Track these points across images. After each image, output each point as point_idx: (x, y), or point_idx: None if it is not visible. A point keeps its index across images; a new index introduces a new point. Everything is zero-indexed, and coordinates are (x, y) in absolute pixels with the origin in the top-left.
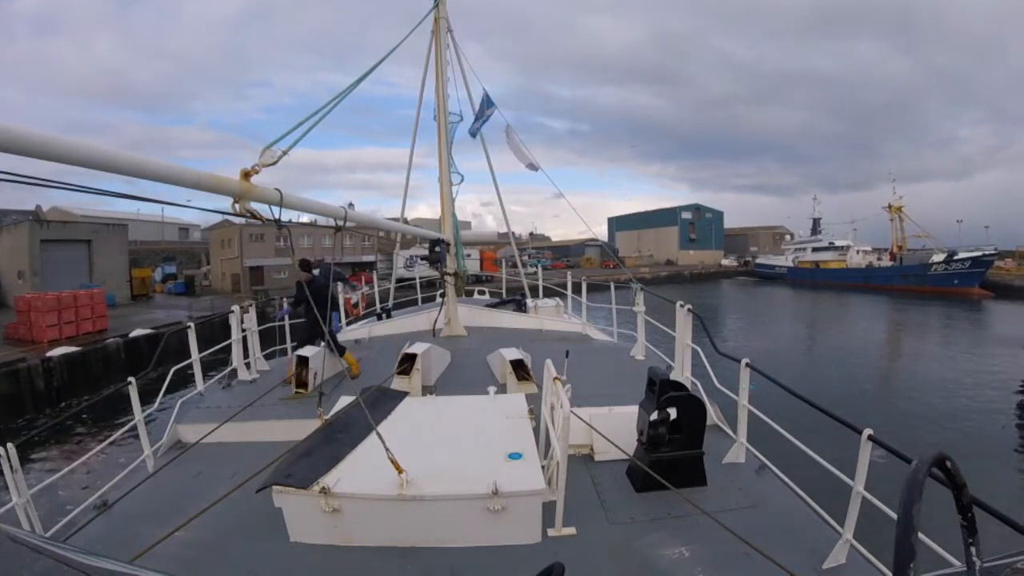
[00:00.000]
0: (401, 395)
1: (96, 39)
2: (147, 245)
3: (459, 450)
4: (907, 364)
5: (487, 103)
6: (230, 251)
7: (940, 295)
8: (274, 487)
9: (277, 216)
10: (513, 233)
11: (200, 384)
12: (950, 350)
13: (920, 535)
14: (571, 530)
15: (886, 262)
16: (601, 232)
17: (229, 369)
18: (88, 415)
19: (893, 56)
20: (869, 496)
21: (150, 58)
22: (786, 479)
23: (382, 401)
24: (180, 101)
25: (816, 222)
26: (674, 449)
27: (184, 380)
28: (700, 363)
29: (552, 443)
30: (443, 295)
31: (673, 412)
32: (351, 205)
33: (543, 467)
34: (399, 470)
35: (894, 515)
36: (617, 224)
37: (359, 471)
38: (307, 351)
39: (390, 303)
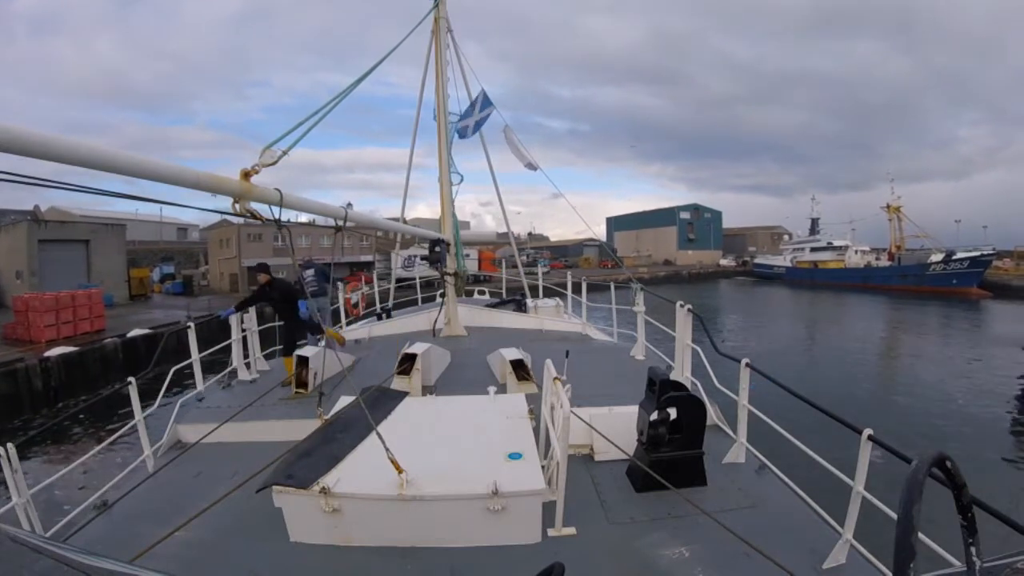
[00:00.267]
0: (401, 395)
1: (96, 39)
2: (145, 245)
3: (459, 450)
4: (906, 364)
5: (484, 103)
6: (228, 251)
7: (938, 295)
8: (274, 487)
9: (277, 216)
10: (514, 235)
11: (200, 384)
12: (949, 350)
13: (920, 535)
14: (571, 530)
15: (884, 262)
16: (600, 232)
17: (229, 369)
18: (87, 415)
19: (893, 56)
20: (869, 496)
21: (150, 58)
22: (786, 479)
23: (382, 401)
24: (180, 101)
25: (814, 222)
26: (674, 449)
27: (182, 380)
28: (700, 363)
29: (552, 443)
30: (443, 295)
31: (673, 412)
32: (349, 205)
33: (543, 467)
34: (399, 470)
35: (894, 515)
36: (616, 224)
37: (359, 471)
38: (307, 351)
39: (390, 303)
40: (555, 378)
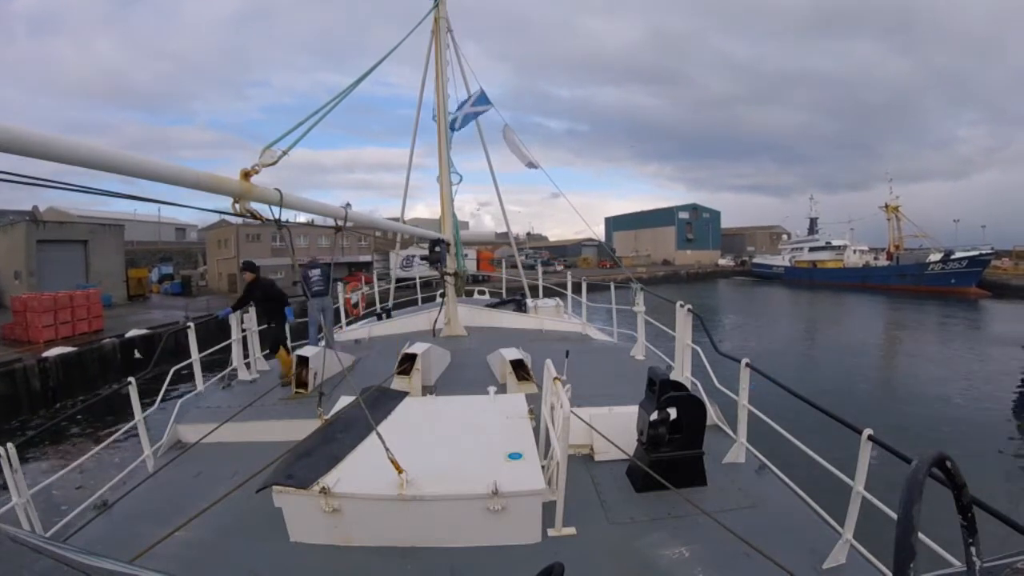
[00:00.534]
0: (401, 395)
1: (96, 39)
2: (144, 245)
3: (459, 450)
4: (905, 364)
5: (479, 100)
6: (227, 251)
7: (937, 295)
8: (274, 487)
9: (277, 216)
10: (514, 235)
11: (200, 384)
12: (948, 349)
13: (920, 535)
14: (571, 530)
15: (883, 262)
16: (598, 232)
17: (229, 369)
18: (87, 415)
19: (892, 56)
20: (869, 496)
21: (150, 58)
22: (786, 479)
23: (382, 401)
24: (180, 101)
25: (813, 222)
26: (674, 449)
27: (182, 380)
28: (700, 363)
29: (552, 443)
30: (443, 295)
31: (673, 412)
32: (348, 205)
33: (543, 467)
34: (399, 470)
35: (894, 515)
36: (614, 224)
37: (359, 471)
38: (307, 351)
39: (390, 303)
40: (555, 378)
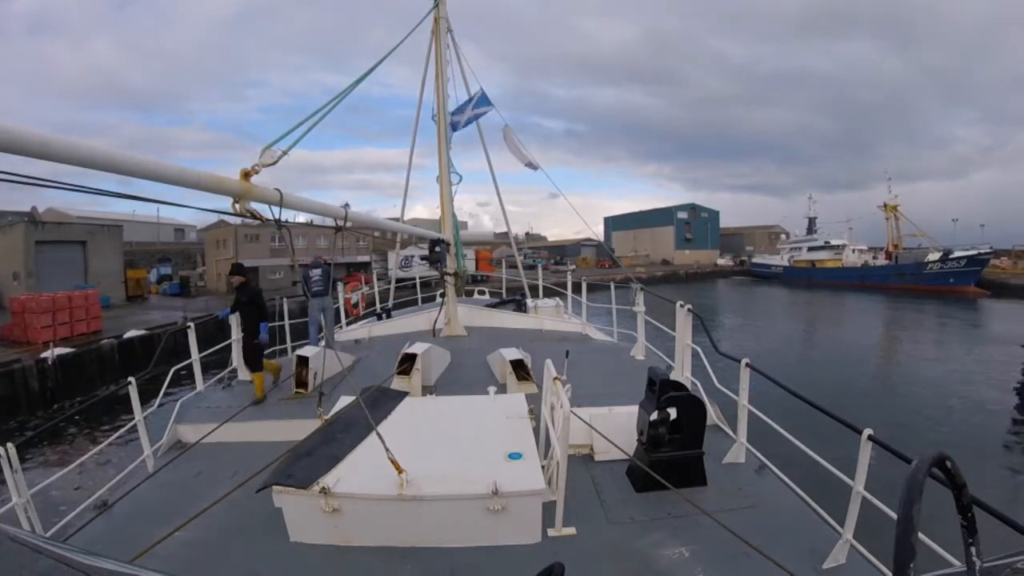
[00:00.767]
0: (401, 395)
1: (92, 39)
2: (142, 246)
3: (459, 450)
4: (904, 363)
5: (480, 101)
6: (225, 252)
7: (936, 294)
8: (274, 487)
9: (277, 216)
10: (514, 235)
11: (200, 384)
12: (947, 349)
13: (920, 535)
14: (571, 530)
15: (882, 261)
16: (597, 232)
17: (229, 369)
18: (86, 416)
19: (889, 56)
20: (869, 496)
21: (147, 58)
22: (786, 479)
23: (382, 401)
24: (178, 101)
25: (812, 221)
26: (674, 449)
27: (181, 381)
28: (700, 363)
29: (552, 443)
30: (443, 295)
31: (673, 412)
32: (347, 205)
33: (543, 467)
34: (399, 470)
35: (894, 515)
36: (613, 224)
37: (359, 471)
38: (307, 351)
39: (390, 303)
40: (555, 378)
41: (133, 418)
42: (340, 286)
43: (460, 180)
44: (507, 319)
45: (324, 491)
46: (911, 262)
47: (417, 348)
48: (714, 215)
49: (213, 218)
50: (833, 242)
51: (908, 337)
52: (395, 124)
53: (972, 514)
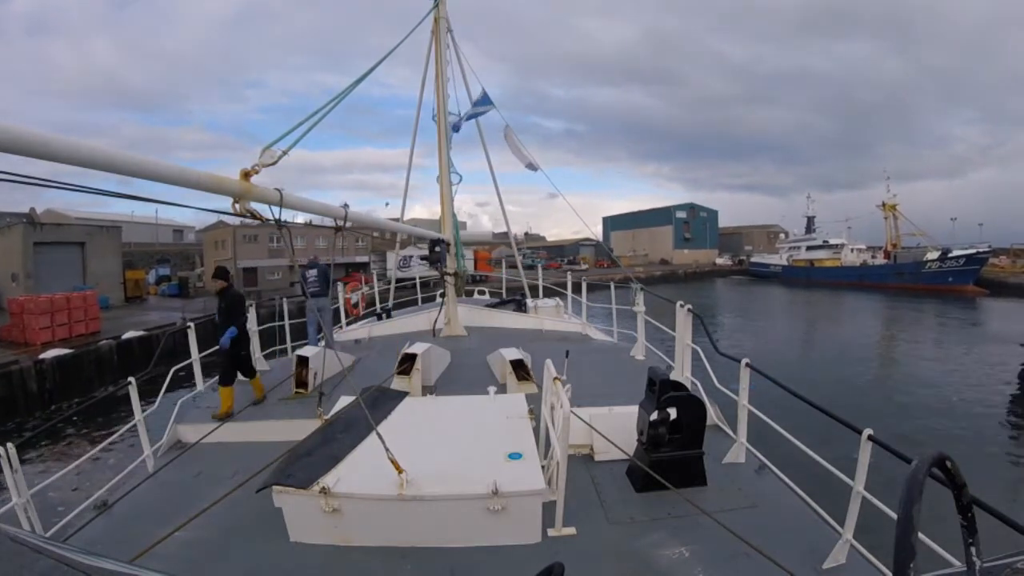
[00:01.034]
0: (401, 395)
1: (92, 40)
2: (141, 247)
3: (459, 450)
4: (904, 362)
5: (483, 100)
6: (224, 252)
7: (934, 293)
8: (274, 487)
9: (277, 216)
10: (514, 235)
11: (200, 384)
12: (946, 348)
13: (920, 535)
14: (571, 530)
15: (880, 260)
16: (596, 232)
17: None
18: (85, 417)
19: (888, 56)
20: (869, 496)
21: (146, 59)
22: (786, 479)
23: (382, 401)
24: (177, 102)
25: (810, 221)
26: (674, 449)
27: (181, 381)
28: (700, 363)
29: (552, 443)
30: (443, 295)
31: (673, 412)
32: (346, 206)
33: (543, 467)
34: (399, 470)
35: (894, 515)
36: (612, 224)
37: (359, 471)
38: (307, 351)
39: (390, 303)
40: (555, 378)
41: (133, 418)
42: (340, 286)
43: (460, 180)
44: (507, 319)
45: (324, 491)
46: (910, 261)
47: (417, 348)
48: (713, 215)
49: (213, 219)
50: (832, 241)
51: (907, 336)
52: (394, 124)
53: (972, 514)
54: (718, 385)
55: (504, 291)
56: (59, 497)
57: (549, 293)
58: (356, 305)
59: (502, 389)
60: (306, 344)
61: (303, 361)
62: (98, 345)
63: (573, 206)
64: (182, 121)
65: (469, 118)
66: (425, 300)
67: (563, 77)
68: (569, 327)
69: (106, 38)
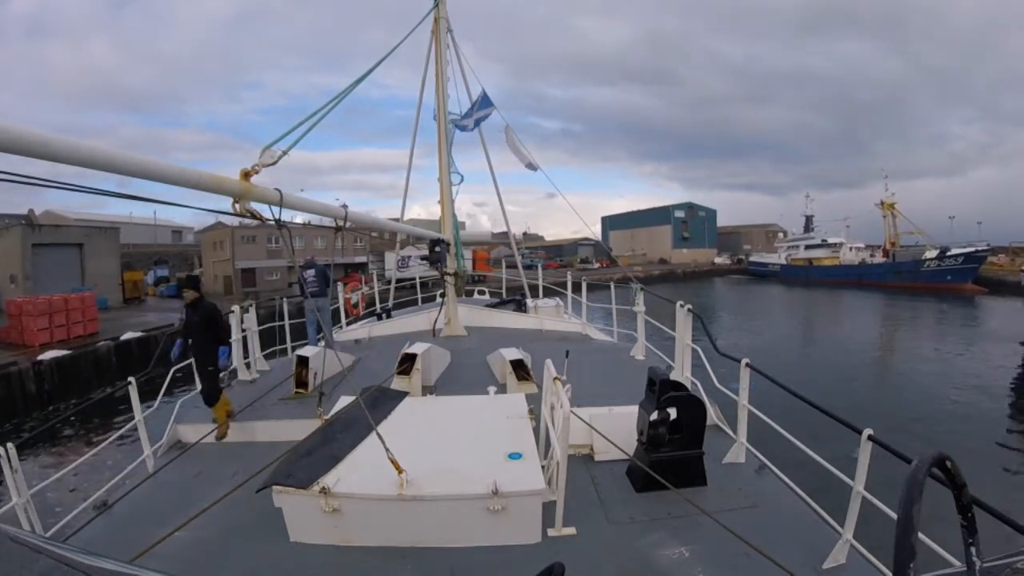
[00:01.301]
0: (401, 395)
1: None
2: (139, 248)
3: (459, 450)
4: (903, 362)
5: (483, 103)
6: (222, 253)
7: (933, 291)
8: (274, 487)
9: (277, 216)
10: (513, 235)
11: (200, 384)
12: (945, 347)
13: (920, 535)
14: (571, 530)
15: (879, 259)
16: (595, 232)
17: (229, 369)
18: (84, 417)
19: (885, 54)
20: (869, 496)
21: (146, 60)
22: (786, 479)
23: (382, 401)
24: (175, 103)
25: (809, 220)
26: (674, 449)
27: (179, 382)
28: (700, 363)
29: (552, 443)
30: (443, 295)
31: (673, 412)
32: (345, 206)
33: (543, 467)
34: (399, 470)
35: (894, 515)
36: (611, 223)
37: (359, 471)
38: (307, 351)
39: (390, 303)
40: (555, 378)
41: (132, 418)
42: (340, 287)
43: (462, 180)
44: (507, 319)
45: (324, 491)
46: (908, 260)
47: (417, 348)
48: (711, 214)
49: (212, 219)
50: (830, 240)
51: (906, 335)
52: (392, 125)
53: (972, 514)
54: (718, 385)
55: (504, 291)
56: (59, 497)
57: (549, 293)
58: (356, 305)
59: (502, 389)
60: (306, 344)
61: (303, 361)
62: (96, 346)
63: (572, 206)
64: (180, 122)
65: (477, 123)
66: (425, 300)
67: (561, 77)
68: (569, 327)
69: (104, 40)
